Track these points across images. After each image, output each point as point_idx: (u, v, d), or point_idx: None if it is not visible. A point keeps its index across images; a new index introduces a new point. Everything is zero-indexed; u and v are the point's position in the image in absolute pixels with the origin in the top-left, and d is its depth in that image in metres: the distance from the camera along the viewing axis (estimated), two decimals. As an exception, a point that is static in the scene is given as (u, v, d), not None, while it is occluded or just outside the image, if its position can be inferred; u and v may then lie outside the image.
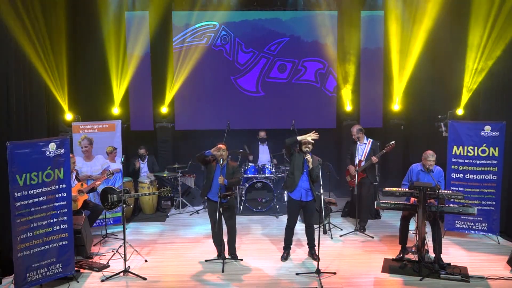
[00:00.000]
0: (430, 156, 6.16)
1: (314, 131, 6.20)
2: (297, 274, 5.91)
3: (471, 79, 8.13)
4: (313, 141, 6.17)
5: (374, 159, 7.37)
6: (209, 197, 6.31)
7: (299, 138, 6.18)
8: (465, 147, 6.98)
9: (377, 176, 8.04)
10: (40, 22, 7.43)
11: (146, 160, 8.81)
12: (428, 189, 5.77)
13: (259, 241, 7.17)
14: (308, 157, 6.10)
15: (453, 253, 6.58)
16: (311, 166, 6.09)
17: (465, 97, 8.26)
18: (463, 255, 6.50)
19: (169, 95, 9.70)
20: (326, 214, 7.27)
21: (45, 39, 7.63)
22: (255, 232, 7.60)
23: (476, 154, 6.93)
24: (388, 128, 9.81)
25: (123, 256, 6.02)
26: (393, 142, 7.29)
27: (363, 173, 7.55)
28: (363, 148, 7.60)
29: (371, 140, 7.65)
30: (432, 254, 6.12)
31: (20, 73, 6.80)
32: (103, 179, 7.10)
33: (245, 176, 8.56)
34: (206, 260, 6.35)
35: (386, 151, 7.31)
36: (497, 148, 6.83)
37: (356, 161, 7.57)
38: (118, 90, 9.54)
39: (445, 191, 5.93)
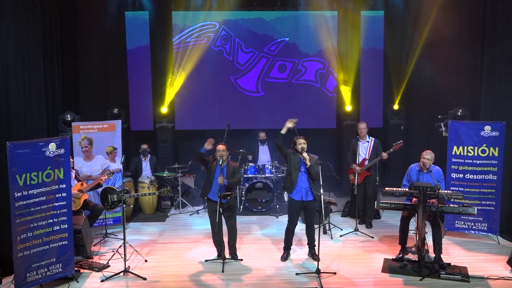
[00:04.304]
0: (425, 154, 6.17)
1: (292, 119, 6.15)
2: (297, 274, 5.91)
3: (471, 79, 8.14)
4: (305, 139, 6.15)
5: (385, 155, 7.37)
6: (209, 197, 6.31)
7: (283, 131, 6.14)
8: (465, 147, 6.97)
9: (377, 176, 8.05)
10: (40, 22, 7.43)
11: (148, 158, 8.81)
12: (428, 189, 5.77)
13: (259, 241, 7.17)
14: (305, 154, 6.08)
15: (453, 253, 6.57)
16: (308, 163, 6.07)
17: (465, 96, 8.27)
18: (463, 255, 6.50)
19: (169, 95, 9.71)
20: (326, 214, 7.27)
21: (45, 39, 7.63)
22: (255, 232, 7.60)
23: (476, 154, 6.92)
24: (388, 128, 9.82)
25: (123, 256, 6.02)
26: (401, 141, 7.34)
27: (368, 172, 7.57)
28: (366, 146, 7.62)
29: (373, 138, 7.68)
30: (432, 254, 6.11)
31: (20, 72, 6.79)
32: (105, 178, 7.10)
33: (245, 176, 8.56)
34: (206, 260, 6.35)
35: (394, 150, 7.33)
36: (497, 148, 6.82)
37: (360, 160, 7.57)
38: (118, 90, 9.53)
39: (445, 191, 5.92)
